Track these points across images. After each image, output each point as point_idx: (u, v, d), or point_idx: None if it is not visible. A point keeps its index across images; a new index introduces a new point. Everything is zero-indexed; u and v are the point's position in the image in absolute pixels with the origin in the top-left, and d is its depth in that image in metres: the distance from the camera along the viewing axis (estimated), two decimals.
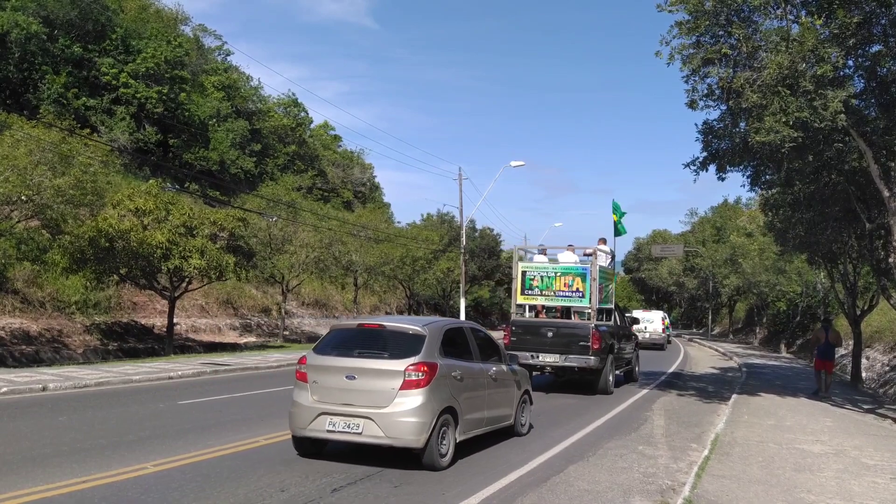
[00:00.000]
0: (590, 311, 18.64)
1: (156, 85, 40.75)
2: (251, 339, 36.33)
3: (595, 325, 18.03)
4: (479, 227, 65.05)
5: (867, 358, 29.07)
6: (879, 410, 17.64)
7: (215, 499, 7.13)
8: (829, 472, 9.71)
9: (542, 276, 19.30)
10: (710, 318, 73.55)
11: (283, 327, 37.79)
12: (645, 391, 19.47)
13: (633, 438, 11.89)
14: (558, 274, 19.09)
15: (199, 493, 7.30)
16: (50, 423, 11.02)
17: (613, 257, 21.83)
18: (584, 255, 20.35)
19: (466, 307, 46.10)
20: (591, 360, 17.46)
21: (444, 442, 9.03)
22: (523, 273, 19.55)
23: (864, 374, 26.57)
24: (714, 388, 21.83)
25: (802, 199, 21.10)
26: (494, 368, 10.69)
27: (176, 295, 26.64)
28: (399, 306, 58.79)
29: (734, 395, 18.66)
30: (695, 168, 18.12)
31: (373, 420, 8.64)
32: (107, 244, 23.47)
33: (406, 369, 8.71)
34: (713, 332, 71.97)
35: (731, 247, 54.52)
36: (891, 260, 15.97)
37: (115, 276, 25.52)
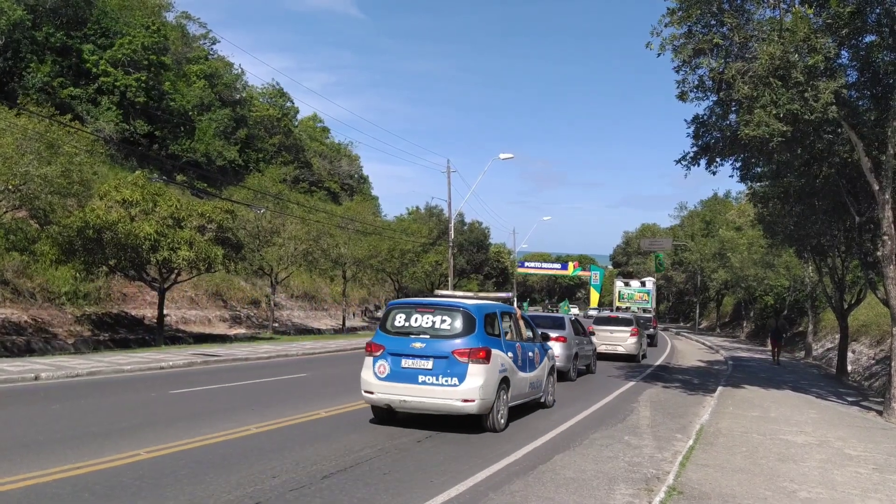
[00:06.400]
0: (651, 309, 46.65)
1: (135, 72, 40.38)
2: (241, 330, 36.34)
3: (654, 315, 43.92)
4: (467, 220, 65.24)
5: (853, 351, 29.34)
6: (864, 403, 17.88)
7: (208, 484, 7.20)
8: (813, 462, 9.86)
9: (628, 293, 49.77)
10: (697, 312, 73.92)
11: (273, 319, 37.81)
12: (632, 383, 19.64)
13: (620, 429, 12.03)
14: (636, 292, 49.61)
15: (192, 478, 7.39)
16: (43, 412, 11.08)
17: (654, 282, 51.42)
18: (641, 282, 51.24)
19: None
20: (652, 331, 38.79)
21: (644, 350, 29.00)
22: (619, 291, 50.77)
23: (849, 368, 26.83)
24: (700, 380, 22.03)
25: (792, 193, 21.23)
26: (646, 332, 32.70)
27: (165, 286, 26.64)
28: (388, 299, 58.85)
29: (720, 388, 18.87)
30: (686, 163, 18.18)
31: (622, 346, 26.48)
32: (95, 235, 23.46)
33: (631, 330, 26.94)
34: (700, 326, 72.34)
35: (720, 241, 54.77)
36: (879, 253, 16.06)
37: (104, 267, 25.50)
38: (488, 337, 10.95)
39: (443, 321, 10.83)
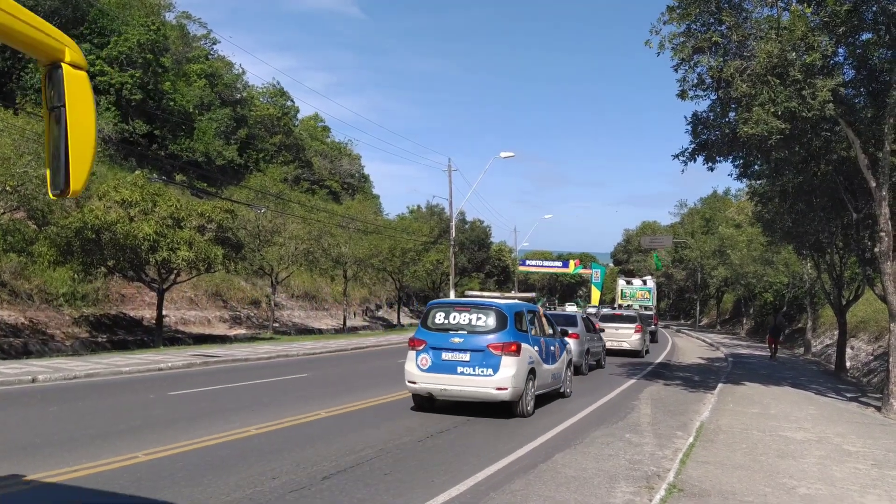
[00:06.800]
0: (652, 307, 48.53)
1: (131, 69, 40.25)
2: (241, 331, 36.31)
3: (655, 312, 46.99)
4: (469, 219, 65.16)
5: (852, 348, 29.35)
6: (862, 399, 17.88)
7: (206, 486, 7.19)
8: (812, 459, 9.86)
9: (630, 292, 51.08)
10: (697, 309, 73.94)
11: (273, 319, 37.78)
12: (632, 381, 19.64)
13: (620, 427, 12.02)
14: (638, 290, 51.06)
15: (191, 480, 7.37)
16: (40, 414, 11.06)
17: (655, 281, 54.34)
18: (642, 280, 53.31)
19: None
20: (654, 327, 39.70)
21: (647, 346, 30.92)
22: (621, 290, 51.97)
23: (848, 364, 26.83)
24: (700, 377, 22.03)
25: (791, 190, 21.25)
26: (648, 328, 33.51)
27: (164, 287, 26.60)
28: (389, 298, 58.84)
29: (720, 385, 18.87)
30: (684, 159, 18.22)
31: (626, 342, 28.30)
32: (93, 236, 23.40)
33: (635, 327, 28.84)
34: (701, 324, 72.37)
35: (720, 238, 54.81)
36: (876, 249, 16.09)
37: (102, 267, 25.45)
38: (518, 332, 12.05)
39: (478, 318, 12.10)
